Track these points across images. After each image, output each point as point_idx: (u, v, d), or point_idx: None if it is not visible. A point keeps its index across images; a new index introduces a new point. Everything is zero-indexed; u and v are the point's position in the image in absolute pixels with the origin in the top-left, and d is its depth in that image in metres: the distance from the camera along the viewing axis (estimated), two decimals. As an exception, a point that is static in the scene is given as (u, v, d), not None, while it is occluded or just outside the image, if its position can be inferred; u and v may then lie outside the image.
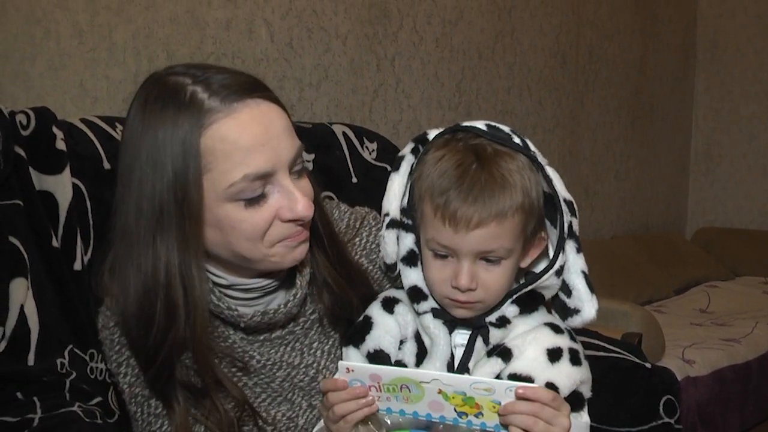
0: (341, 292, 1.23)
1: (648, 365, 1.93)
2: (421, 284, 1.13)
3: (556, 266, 1.10)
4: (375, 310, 1.18)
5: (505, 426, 1.01)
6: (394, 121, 2.70)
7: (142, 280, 1.11)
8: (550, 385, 1.07)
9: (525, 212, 1.07)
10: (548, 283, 1.12)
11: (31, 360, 1.27)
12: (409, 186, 1.15)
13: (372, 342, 1.15)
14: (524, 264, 1.13)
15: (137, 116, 1.10)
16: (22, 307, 1.28)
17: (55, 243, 1.39)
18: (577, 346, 1.13)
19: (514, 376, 1.07)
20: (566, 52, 3.48)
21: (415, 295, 1.13)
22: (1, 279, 1.28)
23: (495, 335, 1.11)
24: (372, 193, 1.64)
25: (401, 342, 1.15)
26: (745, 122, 4.25)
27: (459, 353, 1.12)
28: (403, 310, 1.16)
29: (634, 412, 1.85)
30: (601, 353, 1.88)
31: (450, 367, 1.11)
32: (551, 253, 1.12)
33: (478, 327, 1.11)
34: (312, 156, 1.90)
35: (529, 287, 1.12)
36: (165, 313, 1.11)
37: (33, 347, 1.27)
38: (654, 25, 4.01)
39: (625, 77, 3.85)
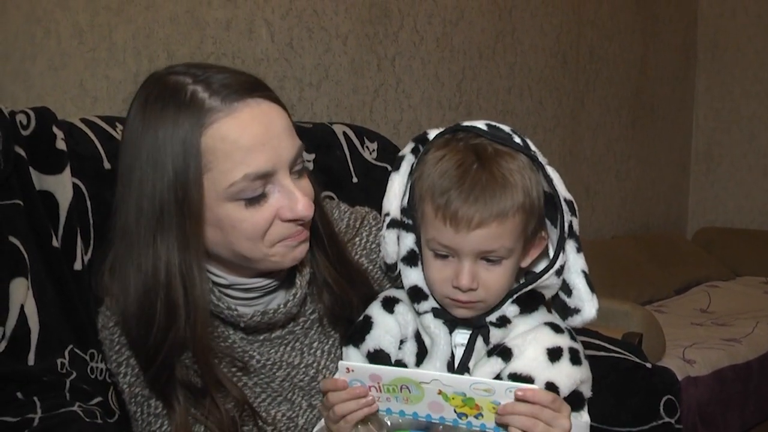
0: (341, 291, 1.23)
1: (648, 365, 1.92)
2: (422, 284, 1.13)
3: (557, 266, 1.10)
4: (375, 310, 1.18)
5: (505, 427, 1.01)
6: (394, 120, 2.70)
7: (142, 279, 1.11)
8: (550, 385, 1.07)
9: (526, 212, 1.07)
10: (548, 283, 1.11)
11: (31, 360, 1.27)
12: (409, 186, 1.15)
13: (372, 341, 1.15)
14: (525, 264, 1.13)
15: (137, 116, 1.10)
16: (22, 306, 1.28)
17: (55, 243, 1.38)
18: (578, 346, 1.13)
19: (514, 376, 1.07)
20: (567, 52, 3.47)
21: (416, 294, 1.13)
22: (2, 279, 1.28)
23: (495, 335, 1.11)
24: (372, 193, 1.64)
25: (401, 342, 1.15)
26: (746, 122, 4.25)
27: (459, 353, 1.12)
28: (403, 309, 1.16)
29: (635, 412, 1.85)
30: (602, 353, 1.87)
31: (450, 367, 1.11)
32: (551, 253, 1.12)
33: (478, 327, 1.11)
34: (312, 156, 1.89)
35: (530, 287, 1.11)
36: (165, 312, 1.11)
37: (33, 347, 1.27)
38: (655, 25, 4.01)
39: (626, 77, 3.85)
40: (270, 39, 2.27)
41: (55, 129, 1.47)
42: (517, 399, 0.98)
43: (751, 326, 3.04)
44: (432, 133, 1.15)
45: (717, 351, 2.77)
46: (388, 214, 1.15)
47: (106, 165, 1.51)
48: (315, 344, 1.26)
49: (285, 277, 1.22)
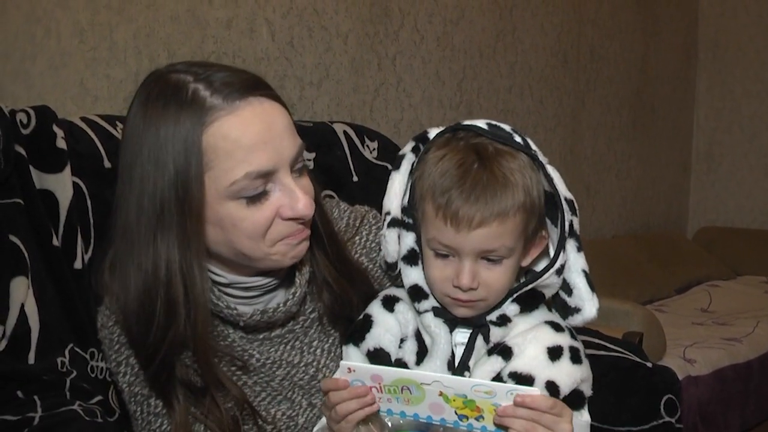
0: (341, 290, 1.23)
1: (649, 364, 1.92)
2: (422, 283, 1.13)
3: (557, 265, 1.10)
4: (375, 309, 1.17)
5: (505, 429, 1.00)
6: (395, 120, 2.69)
7: (142, 277, 1.11)
8: (551, 384, 1.07)
9: (526, 211, 1.07)
10: (549, 282, 1.11)
11: (31, 359, 1.27)
12: (409, 185, 1.15)
13: (372, 340, 1.15)
14: (525, 263, 1.13)
15: (138, 113, 1.10)
16: (22, 305, 1.28)
17: (55, 242, 1.38)
18: (578, 345, 1.13)
19: (514, 375, 1.07)
20: (567, 51, 3.47)
21: (416, 293, 1.13)
22: (2, 278, 1.28)
23: (495, 334, 1.11)
24: (373, 192, 1.64)
25: (402, 340, 1.15)
26: (747, 121, 4.25)
27: (459, 352, 1.12)
28: (403, 308, 1.16)
29: (635, 411, 1.85)
30: (602, 352, 1.87)
31: (450, 366, 1.11)
32: (552, 252, 1.11)
33: (478, 326, 1.11)
34: (313, 155, 1.89)
35: (530, 286, 1.11)
36: (165, 311, 1.11)
37: (33, 346, 1.27)
38: (655, 25, 4.00)
39: (627, 76, 3.85)
40: (270, 38, 2.27)
41: (55, 128, 1.47)
42: (516, 404, 0.98)
43: (751, 326, 3.04)
44: (432, 132, 1.15)
45: (717, 350, 2.77)
46: (388, 213, 1.15)
47: (107, 164, 1.51)
48: (315, 343, 1.26)
49: (285, 276, 1.22)
